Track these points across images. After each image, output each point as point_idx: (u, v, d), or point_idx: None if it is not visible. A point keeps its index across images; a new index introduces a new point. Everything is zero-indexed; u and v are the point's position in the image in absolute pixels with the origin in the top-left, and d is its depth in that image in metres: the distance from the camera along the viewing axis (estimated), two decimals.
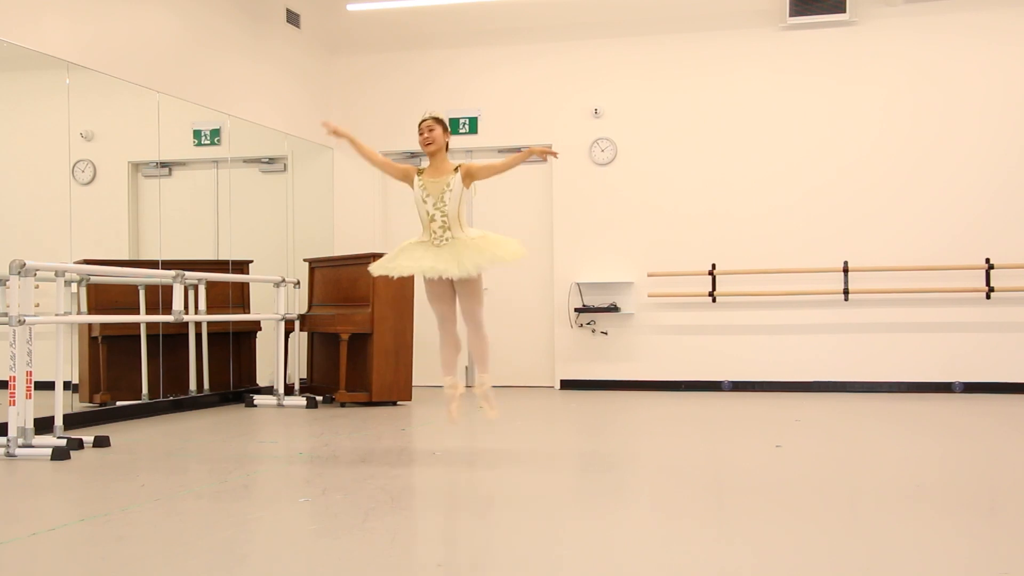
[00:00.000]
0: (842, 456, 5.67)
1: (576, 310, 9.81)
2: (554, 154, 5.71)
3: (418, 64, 10.40)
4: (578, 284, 9.83)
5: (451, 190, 5.39)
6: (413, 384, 8.61)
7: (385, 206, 10.53)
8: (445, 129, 5.54)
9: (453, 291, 5.57)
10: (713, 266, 9.50)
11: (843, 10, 9.26)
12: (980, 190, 9.05)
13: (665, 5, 9.83)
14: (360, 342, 8.37)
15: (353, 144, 5.66)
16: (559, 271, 9.95)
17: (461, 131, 10.24)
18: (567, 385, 9.90)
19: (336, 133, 5.73)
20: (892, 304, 9.17)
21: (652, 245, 9.73)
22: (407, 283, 8.44)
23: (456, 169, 5.45)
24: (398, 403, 8.37)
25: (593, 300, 9.81)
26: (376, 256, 8.34)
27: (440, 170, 5.49)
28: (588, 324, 9.85)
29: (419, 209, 5.48)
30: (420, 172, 5.53)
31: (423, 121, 5.53)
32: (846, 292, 9.19)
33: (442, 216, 5.39)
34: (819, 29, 9.43)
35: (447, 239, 5.39)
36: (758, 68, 9.61)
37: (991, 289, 8.89)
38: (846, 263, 9.19)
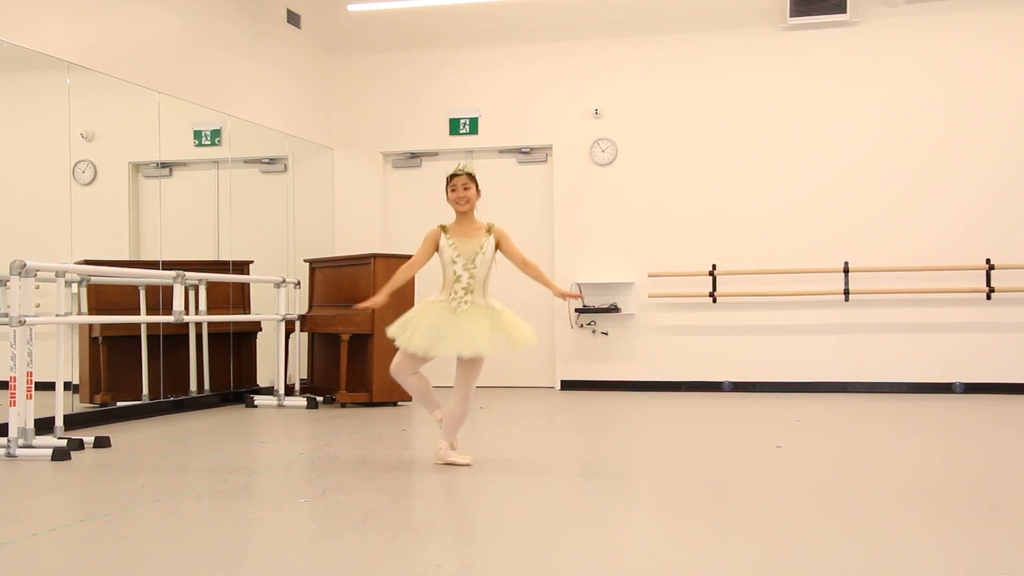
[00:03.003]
0: (842, 456, 5.66)
1: (576, 310, 9.81)
2: (579, 296, 5.88)
3: (418, 64, 10.41)
4: (578, 284, 9.83)
5: (484, 253, 5.14)
6: None
7: (385, 207, 10.53)
8: (478, 187, 5.31)
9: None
10: (713, 266, 9.49)
11: (844, 10, 9.26)
12: (980, 190, 9.05)
13: (665, 5, 9.83)
14: (361, 342, 8.37)
15: (391, 288, 5.32)
16: (560, 271, 9.94)
17: (461, 131, 10.25)
18: (567, 386, 9.90)
19: (375, 303, 5.33)
20: (892, 305, 9.17)
21: (653, 245, 9.73)
22: (408, 284, 8.44)
23: (489, 231, 5.22)
24: (399, 403, 8.37)
25: (594, 300, 9.81)
26: (377, 257, 8.39)
27: (469, 230, 5.22)
28: (588, 324, 9.85)
29: (445, 269, 5.19)
30: (444, 229, 5.25)
31: (456, 176, 5.24)
32: (846, 292, 9.19)
33: (469, 278, 5.11)
34: (820, 29, 9.43)
35: (467, 303, 5.09)
36: (759, 68, 9.61)
37: (991, 290, 8.89)
38: (846, 264, 9.19)
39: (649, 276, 9.66)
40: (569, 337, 9.92)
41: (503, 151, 10.30)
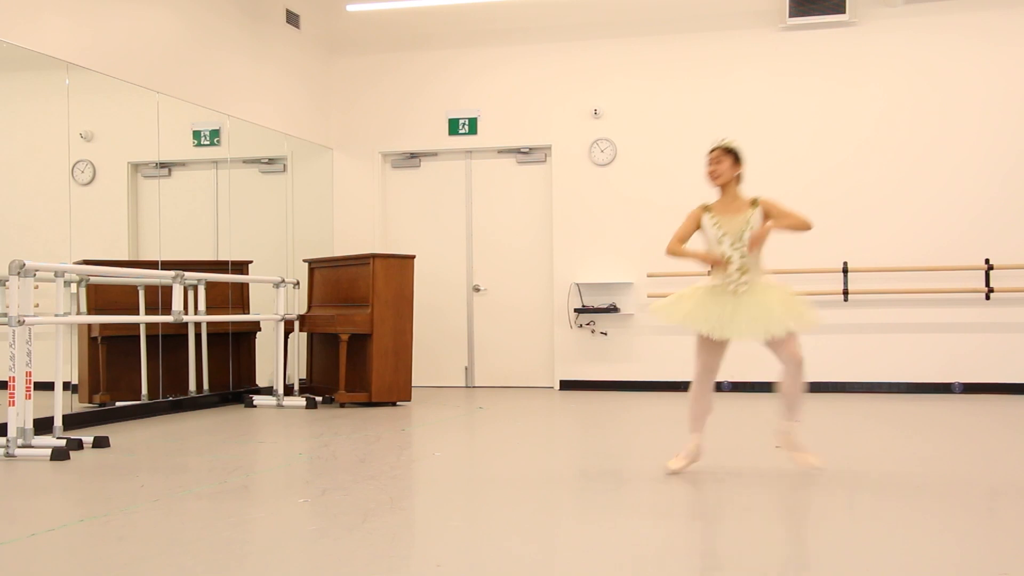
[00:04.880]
0: (840, 455, 5.66)
1: (576, 310, 9.81)
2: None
3: (417, 64, 10.40)
4: (578, 284, 9.83)
5: (752, 228, 4.83)
6: (413, 384, 8.62)
7: (384, 207, 10.53)
8: (736, 160, 4.94)
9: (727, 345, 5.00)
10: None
11: (843, 11, 9.27)
12: (979, 191, 9.05)
13: (665, 6, 9.83)
14: (360, 343, 8.37)
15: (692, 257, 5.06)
16: (559, 272, 9.95)
17: (461, 131, 10.25)
18: (567, 386, 9.91)
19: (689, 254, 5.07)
20: (891, 304, 9.17)
21: (652, 245, 9.70)
22: (407, 283, 8.45)
23: (754, 204, 4.91)
24: (398, 404, 8.37)
25: (593, 300, 9.81)
26: (376, 257, 8.39)
27: (734, 206, 4.92)
28: (588, 325, 9.85)
29: (713, 249, 4.93)
30: (707, 209, 4.99)
31: (711, 151, 4.96)
32: (846, 292, 9.19)
33: (741, 258, 4.84)
34: (819, 30, 9.44)
35: (745, 284, 4.84)
36: (758, 68, 9.61)
37: (991, 290, 8.89)
38: (846, 264, 9.19)
39: (648, 276, 9.65)
40: (568, 337, 9.92)
41: (502, 151, 10.30)
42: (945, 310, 9.06)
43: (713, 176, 4.96)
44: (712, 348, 5.00)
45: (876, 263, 9.16)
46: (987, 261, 8.92)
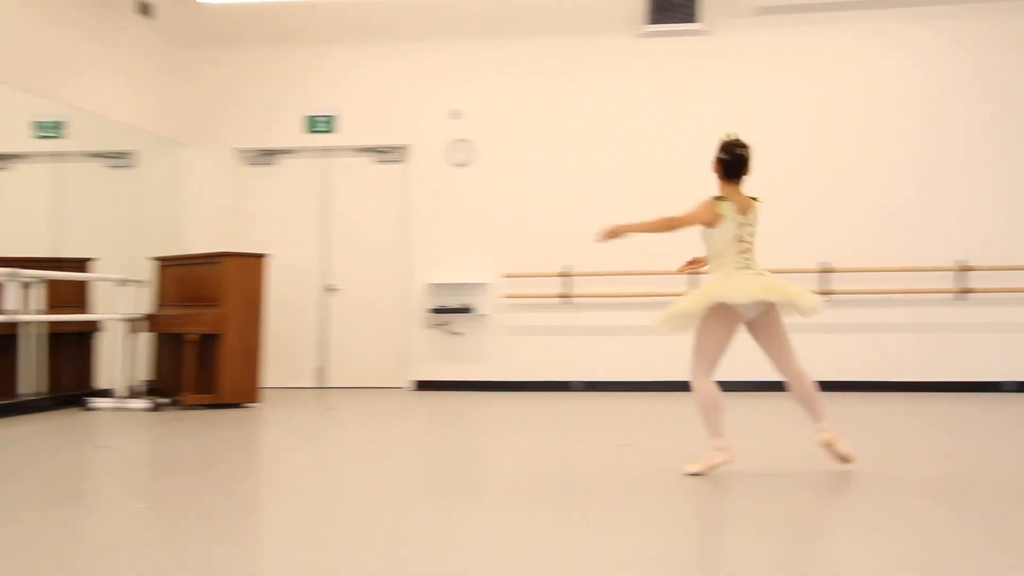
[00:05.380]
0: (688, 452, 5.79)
1: (431, 310, 9.79)
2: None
3: (276, 61, 10.20)
4: (434, 284, 9.82)
5: (758, 217, 5.03)
6: (264, 385, 8.44)
7: (239, 205, 10.26)
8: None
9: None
10: (567, 268, 9.62)
11: (697, 20, 9.50)
12: (819, 199, 9.36)
13: (525, 8, 9.89)
14: (209, 343, 8.15)
15: (642, 229, 5.31)
16: (415, 271, 9.91)
17: (318, 129, 10.10)
18: (422, 386, 9.87)
19: (614, 234, 5.30)
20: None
21: (508, 246, 9.79)
22: (258, 283, 8.27)
23: (754, 199, 5.10)
24: (246, 405, 8.18)
25: (448, 301, 9.81)
26: (228, 256, 8.17)
27: (745, 200, 5.05)
28: (443, 324, 9.85)
29: (729, 238, 4.95)
30: (723, 199, 5.03)
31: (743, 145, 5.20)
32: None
33: (750, 244, 4.97)
34: (675, 37, 9.64)
35: (754, 268, 4.92)
36: (616, 74, 9.78)
37: (829, 293, 9.25)
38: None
39: (504, 277, 9.72)
40: (423, 337, 9.89)
41: (360, 150, 10.20)
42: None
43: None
44: (732, 324, 4.87)
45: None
46: (823, 264, 9.27)
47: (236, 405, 8.13)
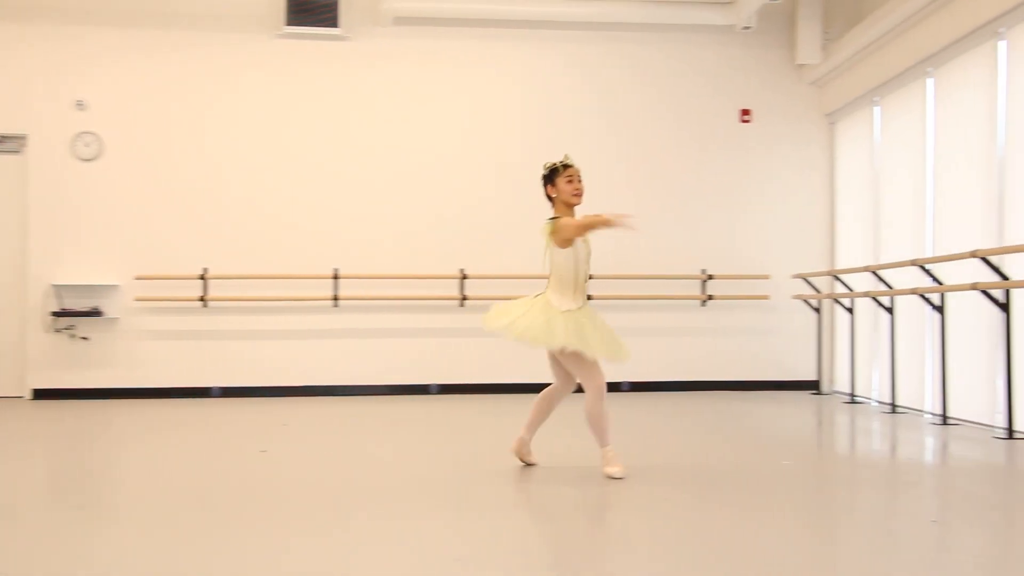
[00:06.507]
0: (328, 457, 5.82)
1: (53, 314, 9.12)
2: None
3: None
4: (56, 286, 9.15)
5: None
6: None
7: None
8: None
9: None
10: (205, 270, 9.33)
11: (337, 25, 9.55)
12: (452, 204, 9.72)
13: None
14: None
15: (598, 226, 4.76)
16: (34, 271, 9.19)
17: None
18: (42, 395, 9.16)
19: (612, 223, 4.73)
20: (378, 311, 9.60)
21: (142, 247, 9.33)
22: None
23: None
24: None
25: (74, 303, 9.18)
26: None
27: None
28: (67, 329, 9.20)
29: (576, 269, 4.82)
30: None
31: (571, 167, 4.86)
32: (335, 298, 9.48)
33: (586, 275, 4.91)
34: (315, 41, 9.63)
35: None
36: (254, 73, 9.61)
37: (465, 298, 9.64)
38: (336, 270, 9.48)
39: (137, 279, 9.25)
40: (44, 342, 9.19)
41: None
42: (424, 316, 9.65)
43: (579, 195, 4.90)
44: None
45: (364, 270, 9.52)
46: (462, 271, 9.66)
47: None
